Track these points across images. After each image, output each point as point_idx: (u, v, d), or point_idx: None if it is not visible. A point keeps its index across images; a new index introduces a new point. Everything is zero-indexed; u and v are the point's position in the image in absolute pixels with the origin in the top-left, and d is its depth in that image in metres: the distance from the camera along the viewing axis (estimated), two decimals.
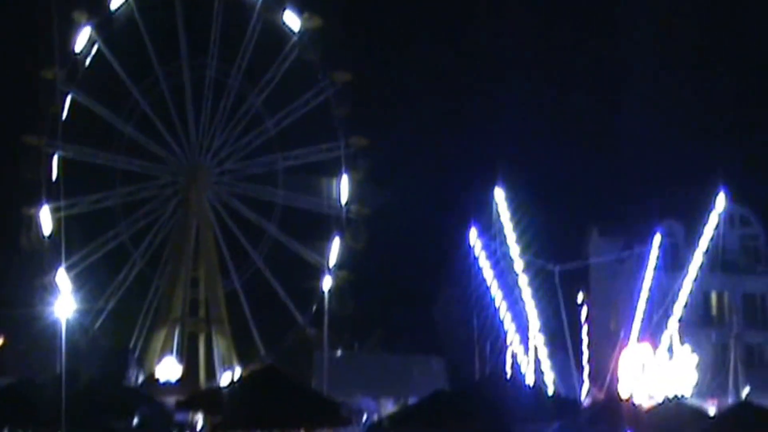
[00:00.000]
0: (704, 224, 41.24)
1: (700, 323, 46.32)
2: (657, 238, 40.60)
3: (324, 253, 48.52)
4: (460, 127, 75.20)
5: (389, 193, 49.99)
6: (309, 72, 51.16)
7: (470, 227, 38.13)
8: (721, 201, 40.05)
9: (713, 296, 53.02)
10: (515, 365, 35.03)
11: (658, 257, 40.70)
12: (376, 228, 49.33)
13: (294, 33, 50.84)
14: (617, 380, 38.26)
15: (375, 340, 51.68)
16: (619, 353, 39.18)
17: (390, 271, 52.70)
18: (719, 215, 40.70)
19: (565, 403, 28.16)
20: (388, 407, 41.36)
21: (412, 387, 42.29)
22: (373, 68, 58.51)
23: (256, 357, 46.95)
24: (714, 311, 52.73)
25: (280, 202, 50.48)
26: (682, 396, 33.21)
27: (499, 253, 37.90)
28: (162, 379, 45.29)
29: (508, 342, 36.30)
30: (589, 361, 37.14)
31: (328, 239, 48.83)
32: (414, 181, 55.98)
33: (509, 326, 36.39)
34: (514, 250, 37.79)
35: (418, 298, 53.39)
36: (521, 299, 36.60)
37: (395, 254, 52.46)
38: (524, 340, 36.05)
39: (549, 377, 34.59)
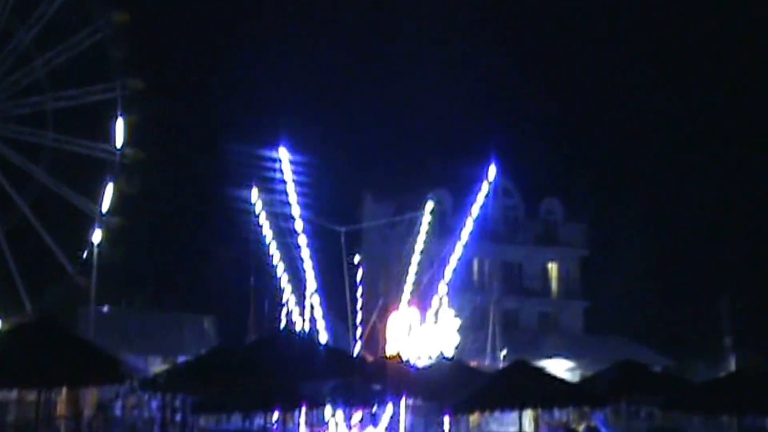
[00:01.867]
0: (474, 193, 42.84)
1: (464, 288, 48.64)
2: (428, 205, 41.75)
3: (96, 200, 46.47)
4: (244, 80, 74.33)
5: (166, 140, 48.61)
6: (84, 9, 48.60)
7: (251, 184, 37.60)
8: (492, 172, 41.87)
9: (475, 263, 55.92)
10: (291, 325, 35.16)
11: (429, 224, 41.88)
12: (151, 177, 47.87)
13: None
14: (386, 341, 39.42)
15: (144, 296, 50.37)
16: (389, 315, 40.32)
17: (165, 223, 51.48)
18: (489, 186, 42.47)
19: (341, 362, 28.61)
20: (157, 365, 40.58)
21: (183, 345, 41.66)
22: (153, 9, 56.62)
23: (21, 310, 44.46)
24: (476, 277, 55.69)
25: (49, 145, 47.84)
26: (446, 357, 34.65)
27: (278, 213, 37.71)
28: None
29: (284, 301, 36.32)
30: (361, 322, 37.94)
31: (101, 185, 46.77)
32: (194, 130, 54.86)
33: (286, 286, 36.39)
34: (295, 210, 37.68)
35: (192, 253, 52.53)
36: (300, 259, 36.66)
37: (171, 206, 51.24)
38: (301, 300, 36.22)
39: (324, 337, 35.02)
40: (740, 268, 55.18)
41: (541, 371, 23.04)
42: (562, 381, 23.30)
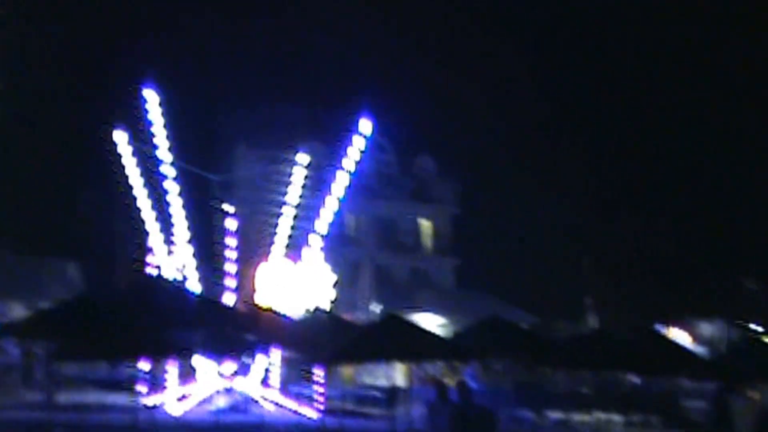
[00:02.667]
0: (347, 147, 42.45)
1: (338, 242, 48.44)
2: (301, 157, 41.18)
3: None
4: (113, 13, 71.28)
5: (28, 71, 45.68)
6: None
7: (116, 126, 35.95)
8: (366, 126, 41.42)
9: (350, 217, 55.85)
10: (160, 273, 34.08)
11: (305, 176, 41.34)
12: (11, 109, 45.10)
13: None
14: (258, 292, 38.87)
15: (4, 238, 47.92)
16: (259, 266, 39.75)
17: (26, 161, 48.70)
18: (364, 140, 42.07)
19: (211, 311, 28.08)
20: (17, 311, 38.95)
21: (45, 291, 40.00)
22: None
23: None
24: (350, 231, 55.64)
25: None
26: (320, 310, 34.41)
27: (147, 158, 36.34)
28: None
29: (153, 249, 35.14)
30: (234, 272, 37.17)
31: None
32: (52, 62, 51.84)
33: (155, 234, 35.19)
34: (165, 155, 36.35)
35: (55, 196, 50.16)
36: (169, 206, 35.48)
37: (33, 142, 48.37)
38: (170, 247, 35.16)
39: (195, 287, 34.13)
40: (602, 228, 56.92)
41: (412, 325, 23.13)
42: (432, 335, 23.47)
